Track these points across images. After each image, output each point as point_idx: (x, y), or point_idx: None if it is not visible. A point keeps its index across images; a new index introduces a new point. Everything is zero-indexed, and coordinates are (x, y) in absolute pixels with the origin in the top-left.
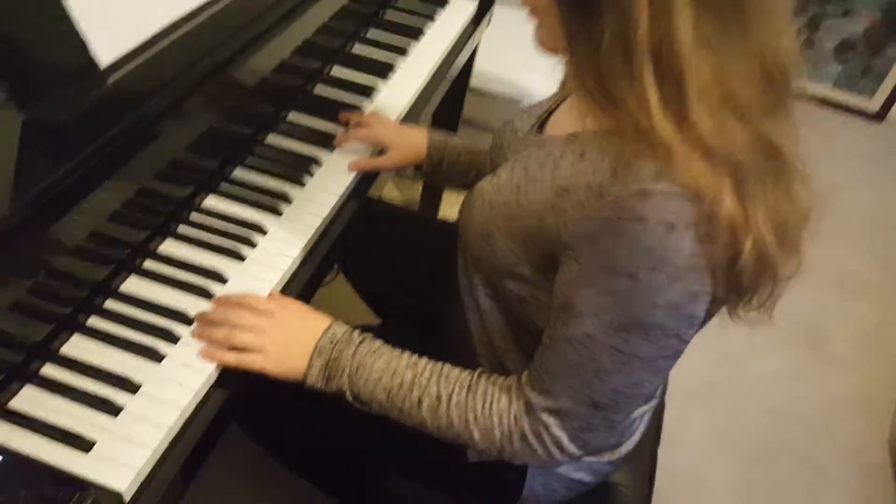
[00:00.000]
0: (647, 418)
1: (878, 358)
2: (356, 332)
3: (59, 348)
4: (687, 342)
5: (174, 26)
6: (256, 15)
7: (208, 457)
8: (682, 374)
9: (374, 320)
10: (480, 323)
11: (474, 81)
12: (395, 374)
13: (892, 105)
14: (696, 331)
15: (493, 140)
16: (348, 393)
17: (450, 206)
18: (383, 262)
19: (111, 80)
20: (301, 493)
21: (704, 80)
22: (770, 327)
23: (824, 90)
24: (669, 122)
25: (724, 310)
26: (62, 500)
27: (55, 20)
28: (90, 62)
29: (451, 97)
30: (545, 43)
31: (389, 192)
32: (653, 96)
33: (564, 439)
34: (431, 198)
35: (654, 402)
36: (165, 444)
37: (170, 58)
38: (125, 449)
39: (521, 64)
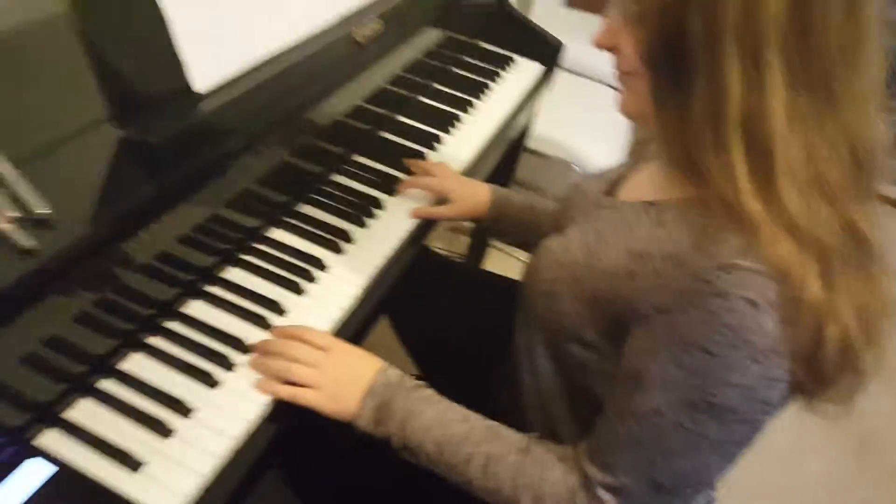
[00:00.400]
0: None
1: None
2: (409, 378)
3: (118, 364)
4: (759, 430)
5: (268, 63)
6: (341, 58)
7: (248, 495)
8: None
9: (411, 371)
10: (535, 386)
11: (530, 142)
12: (447, 427)
13: None
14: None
15: (561, 201)
16: (396, 439)
17: (495, 260)
18: (430, 312)
19: (204, 107)
20: None
21: (794, 158)
22: (825, 427)
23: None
24: (757, 197)
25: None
26: None
27: (159, 44)
28: (187, 88)
29: (506, 156)
30: (630, 109)
31: (432, 242)
32: (741, 170)
33: None
34: (478, 250)
35: (709, 495)
36: (215, 474)
37: (259, 93)
38: (176, 474)
39: (577, 129)
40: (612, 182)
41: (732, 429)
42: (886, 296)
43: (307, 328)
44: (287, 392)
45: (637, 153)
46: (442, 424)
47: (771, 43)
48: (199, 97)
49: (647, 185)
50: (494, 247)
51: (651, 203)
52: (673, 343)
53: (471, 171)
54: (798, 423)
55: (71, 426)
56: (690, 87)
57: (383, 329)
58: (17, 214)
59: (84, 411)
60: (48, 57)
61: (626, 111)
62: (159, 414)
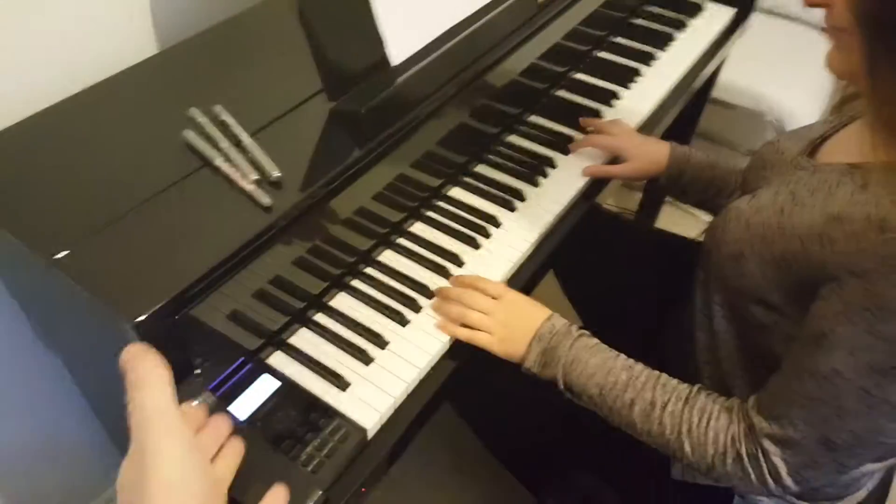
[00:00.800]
0: (877, 478)
1: None
2: (574, 327)
3: (329, 302)
4: None
5: (452, 31)
6: (520, 18)
7: (427, 422)
8: None
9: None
10: (710, 343)
11: (716, 92)
12: (609, 373)
13: None
14: None
15: (753, 160)
16: (561, 382)
17: (669, 217)
18: (598, 269)
19: (400, 78)
20: (500, 489)
21: None
22: None
23: None
24: None
25: None
26: (322, 426)
27: (364, 24)
28: (385, 62)
29: (690, 106)
30: (838, 67)
31: (603, 199)
32: None
33: (784, 470)
34: (650, 209)
35: (890, 462)
36: (404, 397)
37: (447, 60)
38: (374, 394)
39: (772, 76)
40: (813, 142)
41: None
42: None
43: (482, 278)
44: (464, 333)
45: (842, 110)
46: (605, 371)
47: None
48: (396, 70)
49: (852, 146)
50: (669, 203)
51: (855, 165)
52: (867, 308)
53: (648, 126)
54: None
55: (293, 349)
56: None
57: (552, 284)
58: (257, 177)
59: (303, 339)
60: (271, 38)
61: (834, 68)
62: (361, 344)
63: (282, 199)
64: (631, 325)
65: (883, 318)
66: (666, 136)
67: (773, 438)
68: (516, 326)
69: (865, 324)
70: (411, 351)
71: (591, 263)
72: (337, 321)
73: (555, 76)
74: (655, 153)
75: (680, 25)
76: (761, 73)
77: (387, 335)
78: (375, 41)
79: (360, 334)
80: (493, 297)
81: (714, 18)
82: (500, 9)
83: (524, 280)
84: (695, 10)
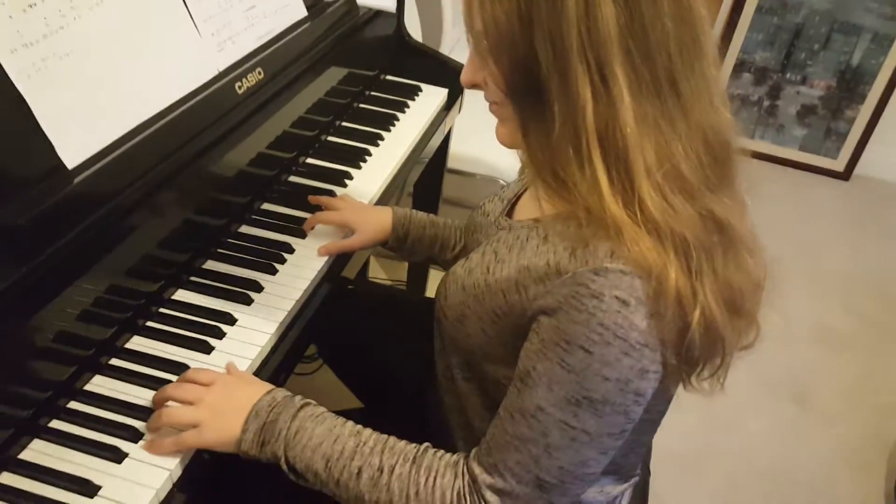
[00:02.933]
0: (628, 495)
1: (864, 411)
2: (298, 397)
3: (18, 454)
4: (633, 421)
5: (146, 124)
6: (227, 110)
7: None
8: (674, 441)
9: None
10: (458, 405)
11: (452, 163)
12: (336, 441)
13: (856, 164)
14: (662, 410)
15: (467, 224)
16: (283, 460)
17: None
18: (370, 343)
19: (78, 180)
20: None
21: (649, 160)
22: (759, 387)
23: (791, 153)
24: (618, 202)
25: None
26: None
27: (22, 124)
28: (58, 164)
29: (429, 178)
30: (505, 138)
31: (376, 272)
32: (602, 178)
33: None
34: (417, 277)
35: (634, 480)
36: None
37: (140, 155)
38: None
39: (495, 145)
40: (510, 201)
41: (608, 420)
42: (753, 272)
43: (195, 369)
44: (169, 444)
45: (525, 172)
46: (332, 439)
47: (613, 56)
48: (72, 173)
49: (534, 203)
50: (435, 269)
51: (537, 220)
52: (558, 343)
53: (383, 200)
54: (734, 387)
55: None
56: (549, 109)
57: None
58: None
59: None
60: None
61: (502, 140)
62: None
63: None
64: (400, 397)
65: (569, 351)
66: (414, 206)
67: (493, 489)
68: (229, 409)
69: (558, 358)
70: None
71: (364, 341)
72: (30, 477)
73: (284, 162)
74: (379, 220)
75: (402, 107)
76: (490, 143)
77: (96, 478)
78: (42, 144)
79: (62, 487)
80: (206, 384)
81: (430, 99)
82: (194, 101)
83: (270, 373)
84: (413, 92)
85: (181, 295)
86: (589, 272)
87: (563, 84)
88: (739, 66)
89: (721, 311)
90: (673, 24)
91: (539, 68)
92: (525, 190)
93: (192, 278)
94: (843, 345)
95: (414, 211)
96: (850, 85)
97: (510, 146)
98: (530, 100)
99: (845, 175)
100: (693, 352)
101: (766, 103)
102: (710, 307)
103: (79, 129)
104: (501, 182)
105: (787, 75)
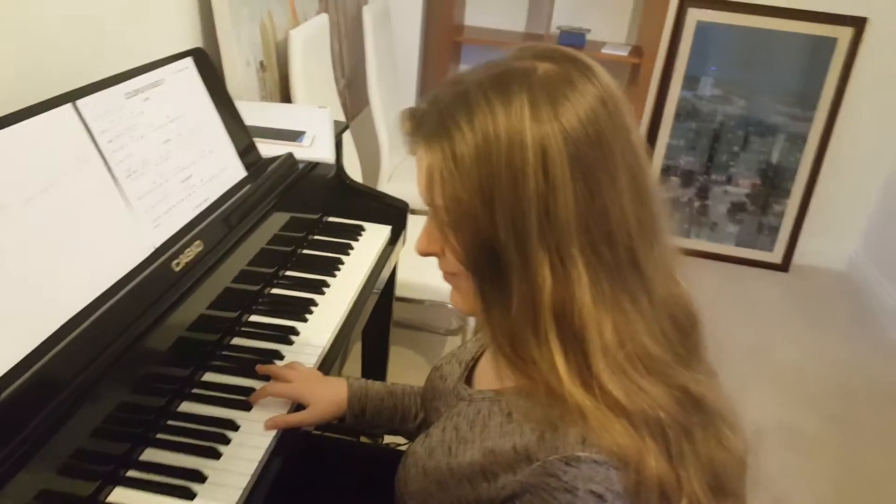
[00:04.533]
0: None
1: None
2: None
3: None
4: None
5: (79, 317)
6: (165, 290)
7: None
8: None
9: None
10: None
11: (401, 291)
12: None
13: (791, 255)
14: None
15: (425, 388)
16: None
17: None
18: (328, 497)
19: (3, 394)
20: None
21: (608, 340)
22: None
23: (729, 249)
24: (577, 385)
25: None
26: None
27: None
28: None
29: (379, 309)
30: (461, 306)
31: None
32: (559, 359)
33: None
34: None
35: None
36: None
37: (72, 354)
38: None
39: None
40: (467, 364)
41: None
42: (735, 448)
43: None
44: None
45: (481, 335)
46: None
47: (572, 238)
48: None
49: (494, 369)
50: None
51: (499, 392)
52: None
53: (335, 348)
54: None
55: None
56: (509, 286)
57: None
58: None
59: None
60: None
61: (459, 308)
62: None
63: None
64: None
65: None
66: (364, 334)
67: None
68: None
69: None
70: None
71: (321, 495)
72: None
73: (227, 323)
74: (334, 394)
75: (347, 249)
76: (435, 271)
77: None
78: None
79: None
80: None
81: (374, 237)
82: (130, 285)
83: None
84: (357, 232)
85: (118, 494)
86: (560, 462)
87: (523, 263)
88: (665, 171)
89: (708, 497)
90: (632, 203)
91: (500, 246)
92: (482, 352)
93: (130, 473)
94: (812, 447)
95: (369, 382)
96: (774, 181)
97: (467, 314)
98: (490, 274)
99: (784, 266)
100: None
101: (697, 203)
102: (697, 495)
103: (1, 338)
104: (450, 306)
105: (713, 176)
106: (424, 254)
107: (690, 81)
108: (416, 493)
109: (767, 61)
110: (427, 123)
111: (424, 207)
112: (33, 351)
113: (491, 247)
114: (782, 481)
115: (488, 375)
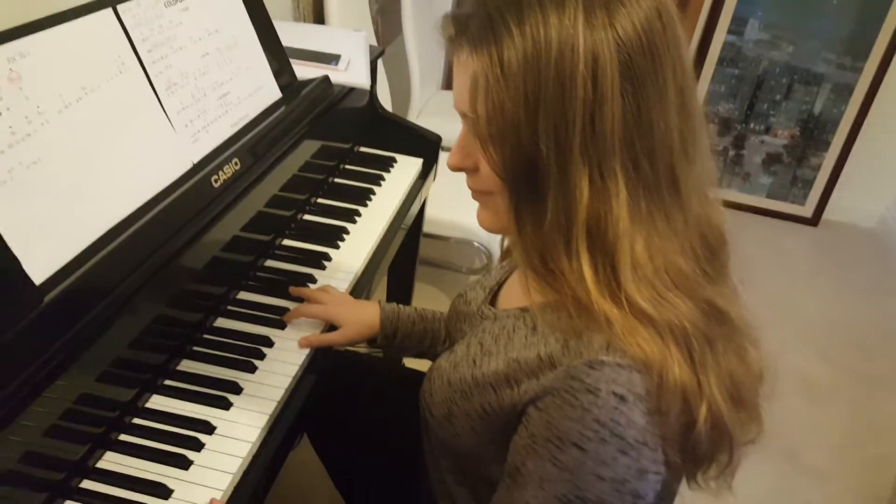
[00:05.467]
0: None
1: (855, 466)
2: None
3: None
4: None
5: (119, 227)
6: (203, 206)
7: None
8: None
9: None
10: None
11: (429, 227)
12: None
13: (823, 210)
14: None
15: (449, 313)
16: None
17: None
18: (350, 425)
19: (49, 296)
20: None
21: (639, 254)
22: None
23: (759, 201)
24: (605, 296)
25: None
26: None
27: None
28: (25, 280)
29: (405, 246)
30: (491, 225)
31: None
32: (588, 272)
33: None
34: None
35: None
36: None
37: (113, 262)
38: None
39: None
40: (492, 289)
41: None
42: (755, 363)
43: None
44: None
45: (509, 257)
46: None
47: (615, 153)
48: (40, 289)
49: (520, 290)
50: None
51: (524, 309)
52: (549, 440)
53: (366, 276)
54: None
55: None
56: (544, 200)
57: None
58: None
59: None
60: None
61: (488, 226)
62: None
63: None
64: (388, 489)
65: (562, 448)
66: (390, 270)
67: None
68: None
69: (549, 454)
70: None
71: (343, 421)
72: None
73: (261, 246)
74: (366, 317)
75: (378, 180)
76: (463, 207)
77: None
78: (7, 259)
79: None
80: None
81: (406, 169)
82: (169, 199)
83: (259, 474)
84: (389, 163)
85: (156, 402)
86: (584, 365)
87: (562, 176)
88: (704, 117)
89: (727, 404)
90: (677, 119)
91: (540, 158)
92: (507, 277)
93: (168, 382)
94: (826, 397)
95: (400, 306)
96: (814, 133)
97: (495, 232)
98: (527, 188)
99: (814, 221)
100: (699, 449)
101: (732, 153)
102: (717, 401)
103: (46, 242)
104: (476, 244)
105: (751, 125)
106: (457, 168)
107: (737, 23)
108: (441, 403)
109: (820, 5)
110: (473, 26)
111: (461, 125)
112: (74, 258)
113: (531, 159)
114: (792, 428)
115: (513, 296)
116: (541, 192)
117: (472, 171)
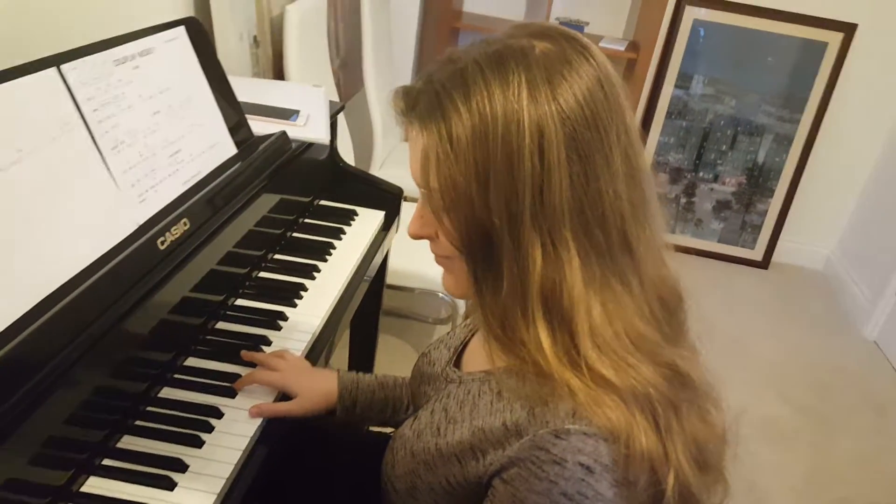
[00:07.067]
0: None
1: None
2: None
3: None
4: None
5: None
6: (149, 269)
7: None
8: None
9: None
10: None
11: (392, 279)
12: None
13: (772, 253)
14: None
15: (413, 375)
16: None
17: None
18: (305, 498)
19: None
20: None
21: (596, 320)
22: None
23: (711, 245)
24: (565, 364)
25: None
26: None
27: None
28: None
29: (369, 296)
30: (454, 289)
31: None
32: (546, 340)
33: None
34: None
35: None
36: None
37: (50, 330)
38: None
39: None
40: (456, 349)
41: None
42: (718, 424)
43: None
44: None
45: (473, 314)
46: None
47: (566, 221)
48: None
49: (483, 352)
50: None
51: (489, 372)
52: None
53: (325, 334)
54: None
55: None
56: (500, 269)
57: None
58: None
59: None
60: None
61: (451, 292)
62: None
63: None
64: None
65: None
66: (353, 322)
67: None
68: None
69: None
70: None
71: (299, 491)
72: None
73: (211, 307)
74: (324, 386)
75: (338, 233)
76: (427, 258)
77: None
78: None
79: None
80: None
81: (367, 222)
82: (112, 262)
83: None
84: (349, 216)
85: (92, 484)
86: (550, 434)
87: (515, 245)
88: (654, 167)
89: (693, 470)
90: (625, 185)
91: (493, 228)
92: (471, 336)
93: (106, 462)
94: (788, 439)
95: (360, 374)
96: (759, 181)
97: (459, 297)
98: (483, 257)
99: (764, 264)
100: None
101: (684, 200)
102: (683, 468)
103: None
104: (440, 295)
105: (700, 174)
106: (417, 237)
107: (683, 79)
108: (404, 476)
109: (758, 63)
110: (422, 103)
111: (418, 194)
112: (6, 329)
113: (484, 229)
114: (754, 470)
115: (477, 358)
116: (496, 261)
117: (432, 238)
